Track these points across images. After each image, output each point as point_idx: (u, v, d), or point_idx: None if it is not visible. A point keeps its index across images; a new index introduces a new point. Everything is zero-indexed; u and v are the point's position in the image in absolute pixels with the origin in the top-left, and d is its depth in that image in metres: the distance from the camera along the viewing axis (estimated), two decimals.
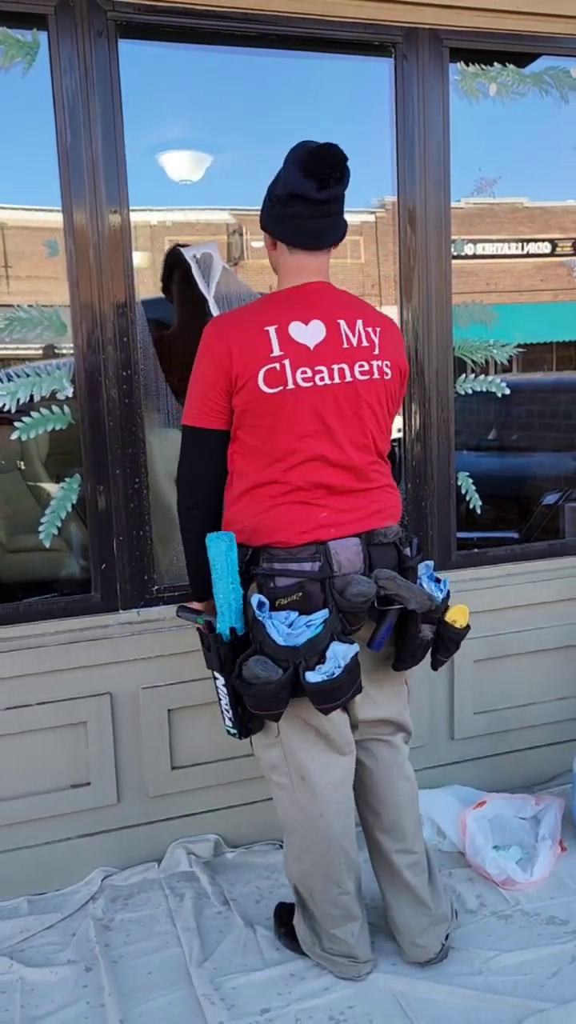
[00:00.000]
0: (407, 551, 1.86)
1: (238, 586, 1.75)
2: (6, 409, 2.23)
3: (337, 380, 1.76)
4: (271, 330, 1.74)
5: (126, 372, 2.26)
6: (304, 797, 1.83)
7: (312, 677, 1.69)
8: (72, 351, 2.25)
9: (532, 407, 4.43)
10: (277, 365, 1.72)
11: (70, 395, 2.25)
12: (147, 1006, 1.90)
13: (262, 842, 2.50)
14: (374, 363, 1.81)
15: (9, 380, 2.23)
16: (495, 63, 2.54)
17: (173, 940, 2.11)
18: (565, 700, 2.81)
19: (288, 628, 1.71)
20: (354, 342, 1.79)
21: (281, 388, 1.72)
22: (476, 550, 2.73)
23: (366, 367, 1.79)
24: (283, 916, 2.11)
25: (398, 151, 2.42)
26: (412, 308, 2.51)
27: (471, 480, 2.71)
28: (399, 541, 1.85)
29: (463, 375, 2.67)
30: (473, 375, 2.69)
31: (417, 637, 1.87)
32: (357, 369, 1.78)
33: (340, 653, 1.71)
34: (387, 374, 1.84)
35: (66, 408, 2.27)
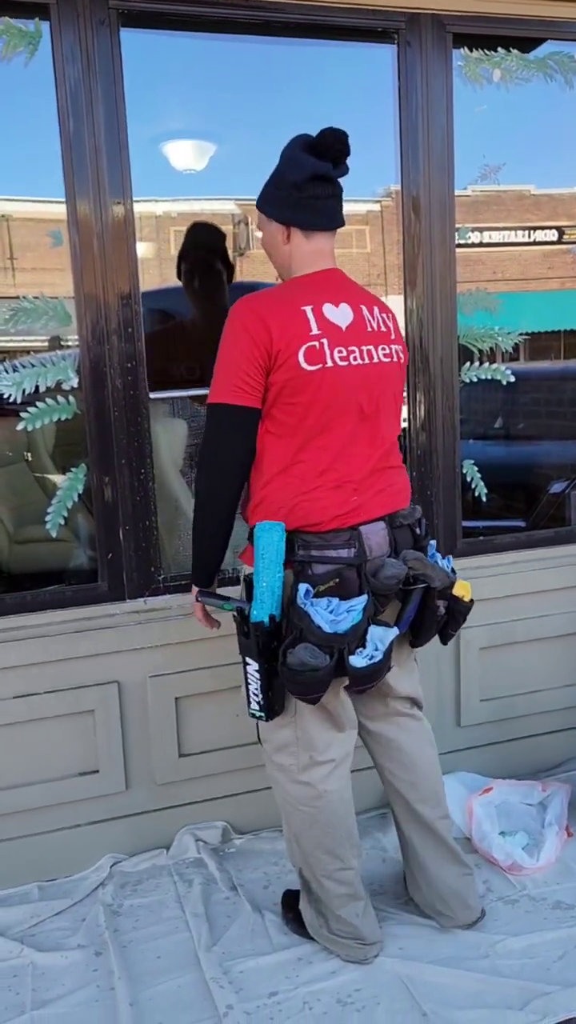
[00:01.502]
0: (418, 531, 1.93)
1: (282, 574, 1.75)
2: (12, 399, 2.24)
3: (367, 361, 1.81)
4: (307, 309, 1.76)
5: (131, 363, 2.26)
6: (310, 774, 1.87)
7: (356, 661, 1.73)
8: (77, 342, 2.26)
9: (539, 395, 4.40)
10: (316, 343, 1.74)
11: (75, 385, 2.26)
12: (156, 990, 1.92)
13: (269, 829, 2.51)
14: (392, 347, 1.88)
15: (15, 371, 2.24)
16: (499, 48, 2.53)
17: (182, 925, 2.14)
18: (571, 687, 2.81)
19: (330, 615, 1.73)
20: (375, 326, 1.85)
21: (320, 366, 1.74)
22: (481, 538, 2.73)
23: (387, 350, 1.87)
24: (290, 902, 2.13)
25: (401, 138, 2.42)
26: (416, 296, 2.50)
27: (476, 468, 2.71)
28: (414, 523, 1.92)
29: (468, 363, 2.67)
30: (479, 363, 2.69)
31: (436, 613, 1.93)
32: (380, 351, 1.84)
33: (378, 636, 1.77)
34: (401, 358, 1.92)
35: (71, 398, 2.28)
